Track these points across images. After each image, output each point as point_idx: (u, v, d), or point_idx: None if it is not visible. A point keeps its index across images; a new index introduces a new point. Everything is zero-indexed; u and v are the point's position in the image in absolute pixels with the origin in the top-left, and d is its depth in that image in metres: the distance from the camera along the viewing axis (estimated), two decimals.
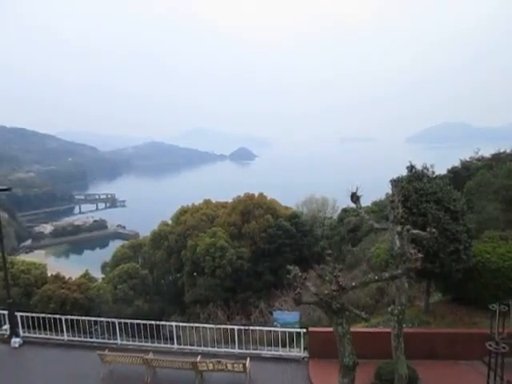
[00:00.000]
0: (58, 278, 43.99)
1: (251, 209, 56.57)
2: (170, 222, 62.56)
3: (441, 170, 29.17)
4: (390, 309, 11.84)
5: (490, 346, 11.20)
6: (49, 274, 46.03)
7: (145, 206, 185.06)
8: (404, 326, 11.78)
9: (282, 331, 16.10)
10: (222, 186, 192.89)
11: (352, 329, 10.85)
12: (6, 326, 18.17)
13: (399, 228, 11.34)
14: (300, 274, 10.21)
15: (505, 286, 16.73)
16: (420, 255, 10.10)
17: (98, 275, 57.98)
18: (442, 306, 19.22)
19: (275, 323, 17.02)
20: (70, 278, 45.19)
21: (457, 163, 40.36)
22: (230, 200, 62.52)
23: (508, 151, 38.84)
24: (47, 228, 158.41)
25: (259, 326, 18.33)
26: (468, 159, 40.35)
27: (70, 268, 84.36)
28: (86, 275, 48.77)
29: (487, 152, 40.43)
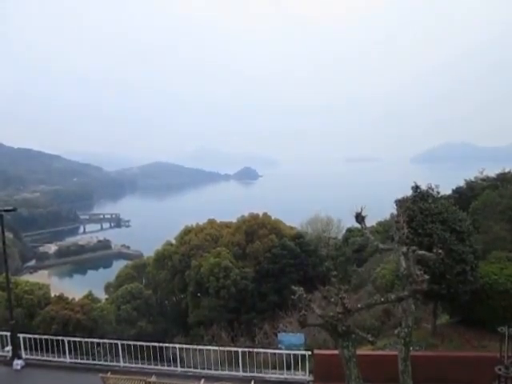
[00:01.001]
0: (61, 298, 43.78)
1: (255, 229, 56.41)
2: (174, 241, 62.40)
3: (445, 190, 29.04)
4: (396, 331, 11.66)
5: (500, 370, 10.96)
6: (52, 295, 45.86)
7: (149, 226, 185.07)
8: (411, 348, 11.58)
9: (286, 353, 15.83)
10: (226, 205, 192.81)
11: (358, 352, 10.68)
12: (8, 348, 18.01)
13: (405, 249, 11.26)
14: (305, 295, 10.12)
15: None
16: (426, 277, 9.99)
17: (102, 296, 57.67)
18: (450, 329, 18.95)
19: (280, 345, 16.78)
20: (73, 299, 44.94)
21: (461, 183, 40.13)
22: (234, 220, 62.43)
23: None
24: (51, 248, 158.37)
25: (263, 348, 18.10)
26: (473, 179, 40.11)
27: (73, 288, 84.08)
28: (89, 296, 48.48)
29: (492, 172, 40.20)
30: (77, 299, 45.73)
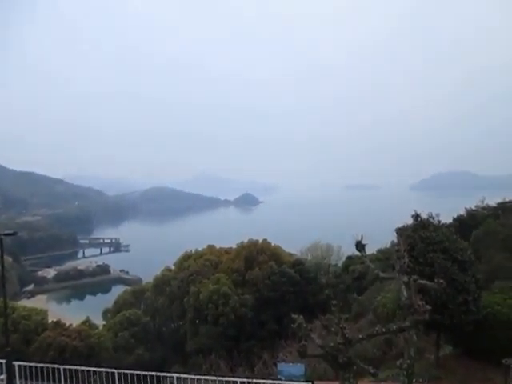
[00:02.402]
0: (58, 324, 43.34)
1: (255, 255, 56.10)
2: (173, 267, 62.01)
3: (446, 218, 29.03)
4: (398, 362, 11.44)
5: None
6: (49, 321, 45.37)
7: (149, 251, 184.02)
8: (414, 380, 11.35)
9: None
10: (225, 231, 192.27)
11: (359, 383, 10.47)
12: (3, 376, 17.62)
13: (406, 278, 11.17)
14: (304, 324, 9.99)
15: None
16: (428, 307, 9.89)
17: (100, 321, 56.94)
18: (453, 360, 18.60)
19: (279, 376, 16.45)
20: (70, 325, 44.48)
21: (462, 212, 40.21)
22: (233, 246, 62.17)
23: None
24: (50, 272, 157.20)
25: (263, 378, 17.68)
26: (474, 208, 40.22)
27: (71, 314, 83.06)
28: (86, 322, 47.95)
29: (492, 201, 40.35)
30: (74, 325, 45.25)
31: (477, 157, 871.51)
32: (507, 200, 39.20)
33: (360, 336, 10.44)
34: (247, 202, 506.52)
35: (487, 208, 39.34)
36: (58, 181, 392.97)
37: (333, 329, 10.11)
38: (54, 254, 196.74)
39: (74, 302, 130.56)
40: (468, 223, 36.01)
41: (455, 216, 39.38)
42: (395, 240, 12.59)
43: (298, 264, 56.01)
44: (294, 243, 75.85)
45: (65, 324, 44.02)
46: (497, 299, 18.08)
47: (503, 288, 20.60)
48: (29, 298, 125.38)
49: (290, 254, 62.56)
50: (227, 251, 62.38)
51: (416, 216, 18.03)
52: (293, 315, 10.33)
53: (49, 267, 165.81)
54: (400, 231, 13.15)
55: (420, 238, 16.69)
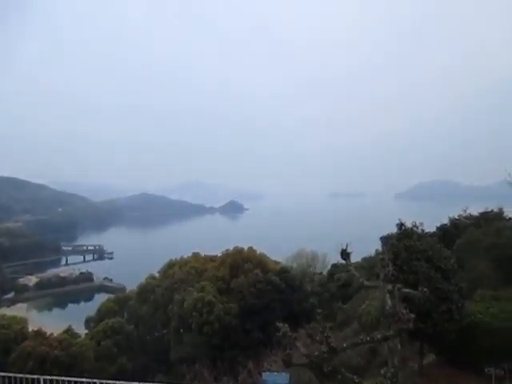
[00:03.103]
0: (39, 333, 42.40)
1: (240, 263, 55.85)
2: (157, 275, 61.40)
3: (430, 227, 29.34)
4: (382, 371, 11.46)
5: None
6: (30, 329, 44.44)
7: (133, 258, 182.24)
8: None
9: None
10: (211, 239, 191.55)
11: None
12: None
13: (390, 286, 11.23)
14: (289, 333, 9.95)
15: (499, 347, 16.34)
16: (412, 316, 9.94)
17: (82, 330, 55.97)
18: (436, 369, 18.70)
19: None
20: (51, 334, 43.57)
21: (445, 221, 40.67)
22: (218, 253, 61.84)
23: (495, 210, 39.41)
24: (32, 280, 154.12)
25: None
26: (457, 217, 40.73)
27: (52, 322, 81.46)
28: (68, 330, 47.10)
29: (475, 210, 40.94)
30: (55, 334, 44.38)
31: (461, 167, 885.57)
32: (489, 209, 39.82)
33: (344, 345, 10.43)
34: (233, 209, 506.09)
35: (470, 217, 39.86)
36: (42, 186, 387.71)
37: (318, 337, 10.09)
38: (35, 261, 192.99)
39: (56, 311, 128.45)
40: (451, 232, 36.42)
41: (439, 225, 39.81)
42: (380, 248, 12.66)
43: (283, 272, 55.93)
44: (279, 251, 75.89)
45: (46, 333, 43.09)
46: (479, 308, 18.26)
47: (485, 297, 20.84)
48: (8, 306, 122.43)
49: (276, 262, 62.42)
50: (212, 259, 62.03)
51: (400, 225, 18.18)
52: (278, 323, 10.29)
53: (30, 274, 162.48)
54: (384, 240, 13.25)
55: (404, 247, 16.81)
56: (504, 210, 39.26)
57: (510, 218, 37.91)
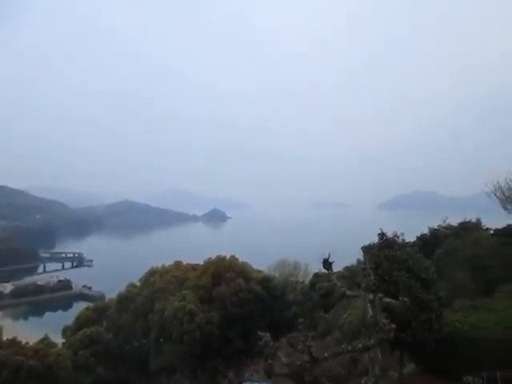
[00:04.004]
0: (13, 342, 41.35)
1: (222, 272, 55.46)
2: (138, 283, 60.55)
3: (410, 237, 29.71)
4: (363, 380, 11.50)
5: None
6: (4, 338, 43.29)
7: (113, 266, 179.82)
8: None
9: None
10: (193, 247, 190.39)
11: None
12: None
13: (371, 296, 11.31)
14: (271, 342, 9.91)
15: (478, 356, 16.55)
16: (393, 325, 10.01)
17: (59, 340, 54.72)
18: (416, 377, 18.84)
19: None
20: (27, 343, 42.54)
21: (426, 231, 41.24)
22: (201, 262, 61.35)
23: (474, 220, 40.17)
24: (7, 287, 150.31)
25: None
26: (436, 227, 41.33)
27: (28, 331, 79.37)
28: (44, 340, 45.98)
29: (454, 221, 41.62)
30: (31, 343, 43.32)
31: (442, 178, 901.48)
32: (468, 220, 40.57)
33: (326, 354, 10.43)
34: (215, 217, 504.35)
35: (449, 227, 40.49)
36: (21, 192, 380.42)
37: (299, 347, 10.07)
38: (12, 269, 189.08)
39: (32, 319, 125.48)
40: (431, 242, 36.94)
41: (419, 235, 40.36)
42: (361, 258, 12.75)
43: (265, 281, 55.78)
44: (261, 260, 75.64)
45: (21, 342, 42.05)
46: (458, 317, 18.49)
47: (464, 306, 21.12)
48: None
49: (258, 271, 62.20)
50: (194, 267, 61.49)
51: (382, 235, 18.34)
52: (259, 333, 10.25)
53: (6, 282, 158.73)
54: (366, 249, 13.36)
55: (385, 257, 16.96)
56: (482, 220, 40.08)
57: (487, 228, 38.72)
